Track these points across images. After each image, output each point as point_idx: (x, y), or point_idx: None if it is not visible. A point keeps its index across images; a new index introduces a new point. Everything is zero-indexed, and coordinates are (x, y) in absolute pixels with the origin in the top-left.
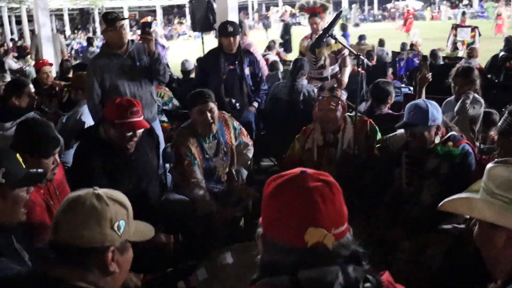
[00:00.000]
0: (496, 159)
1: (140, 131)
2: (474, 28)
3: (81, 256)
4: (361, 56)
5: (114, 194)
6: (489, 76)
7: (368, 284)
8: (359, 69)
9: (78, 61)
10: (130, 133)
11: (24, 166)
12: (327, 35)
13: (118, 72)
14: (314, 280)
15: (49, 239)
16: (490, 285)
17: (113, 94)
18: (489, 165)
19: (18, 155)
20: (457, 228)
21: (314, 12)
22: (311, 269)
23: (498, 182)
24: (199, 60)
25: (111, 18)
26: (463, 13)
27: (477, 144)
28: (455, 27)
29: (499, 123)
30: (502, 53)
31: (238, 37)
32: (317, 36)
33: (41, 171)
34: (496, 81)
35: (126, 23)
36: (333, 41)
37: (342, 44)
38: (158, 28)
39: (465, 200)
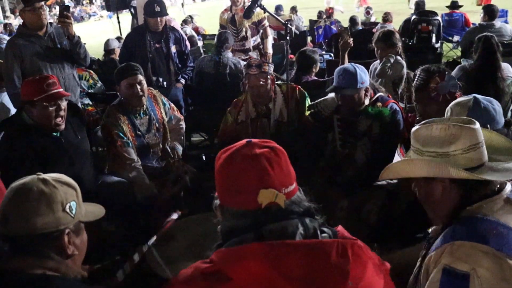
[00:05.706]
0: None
1: (64, 104)
2: None
3: (37, 244)
4: (289, 25)
5: (59, 177)
6: (403, 39)
7: (325, 234)
8: (288, 37)
9: None
10: (54, 107)
11: None
12: (256, 5)
13: (39, 54)
14: (277, 232)
15: None
16: (431, 229)
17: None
18: (413, 128)
19: None
20: (391, 184)
21: None
22: (273, 224)
23: (422, 140)
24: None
25: None
26: None
27: (402, 104)
28: None
29: (414, 81)
30: (414, 16)
31: (165, 17)
32: (247, 6)
33: None
34: (409, 43)
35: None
36: (259, 10)
37: (271, 14)
38: None
39: (399, 164)
